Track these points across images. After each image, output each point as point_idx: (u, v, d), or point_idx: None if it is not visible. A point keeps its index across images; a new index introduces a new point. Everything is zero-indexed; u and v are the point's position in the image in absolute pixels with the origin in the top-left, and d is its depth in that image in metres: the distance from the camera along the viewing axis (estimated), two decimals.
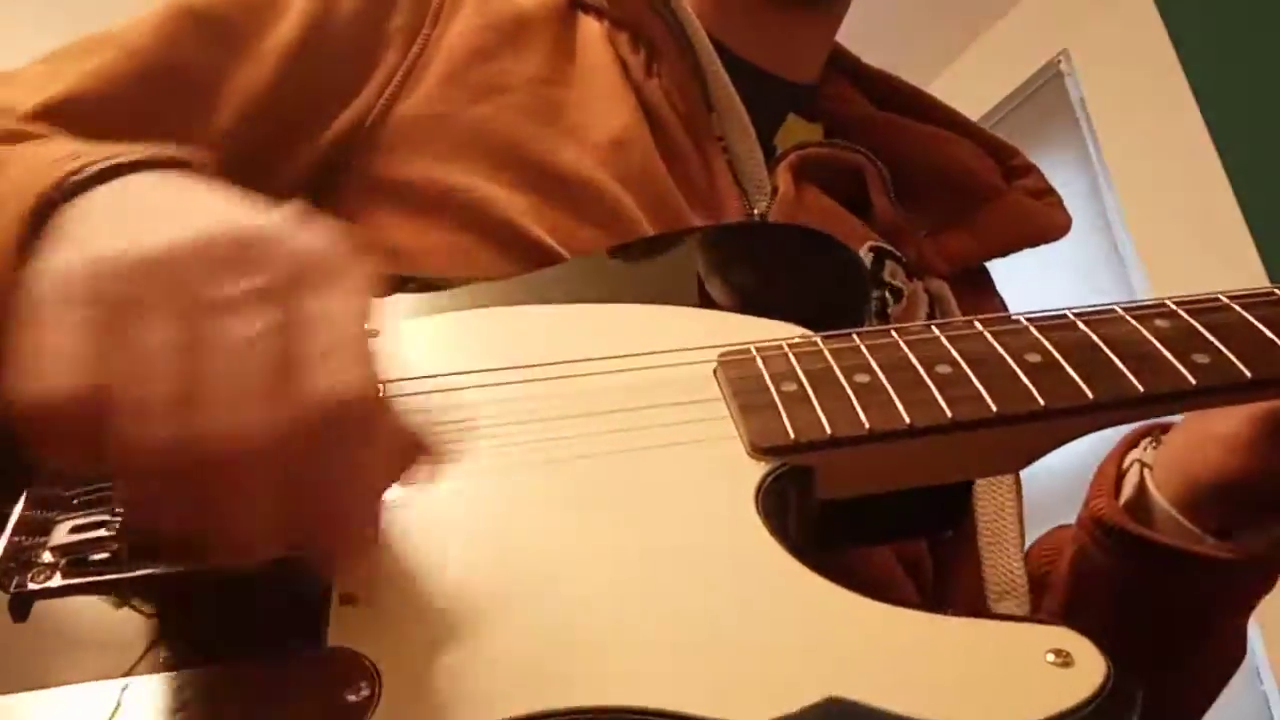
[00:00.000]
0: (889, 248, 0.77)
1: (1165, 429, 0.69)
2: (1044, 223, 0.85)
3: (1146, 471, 0.68)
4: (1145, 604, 0.66)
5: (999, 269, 0.88)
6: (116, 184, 0.47)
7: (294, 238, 0.41)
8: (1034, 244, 0.85)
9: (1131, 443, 0.71)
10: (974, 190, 0.85)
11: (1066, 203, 0.87)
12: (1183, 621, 0.68)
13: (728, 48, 0.81)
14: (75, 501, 0.48)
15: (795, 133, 0.84)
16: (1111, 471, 0.70)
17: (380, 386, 0.41)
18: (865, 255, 0.75)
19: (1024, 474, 0.81)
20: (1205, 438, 0.65)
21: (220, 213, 0.43)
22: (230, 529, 0.39)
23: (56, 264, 0.41)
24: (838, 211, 0.79)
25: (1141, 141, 2.50)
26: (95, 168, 0.48)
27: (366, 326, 0.41)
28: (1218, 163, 2.33)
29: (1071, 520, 0.77)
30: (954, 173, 0.85)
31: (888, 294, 0.74)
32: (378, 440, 0.41)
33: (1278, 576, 0.67)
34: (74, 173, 0.47)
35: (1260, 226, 2.26)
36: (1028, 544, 0.79)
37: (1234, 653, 0.72)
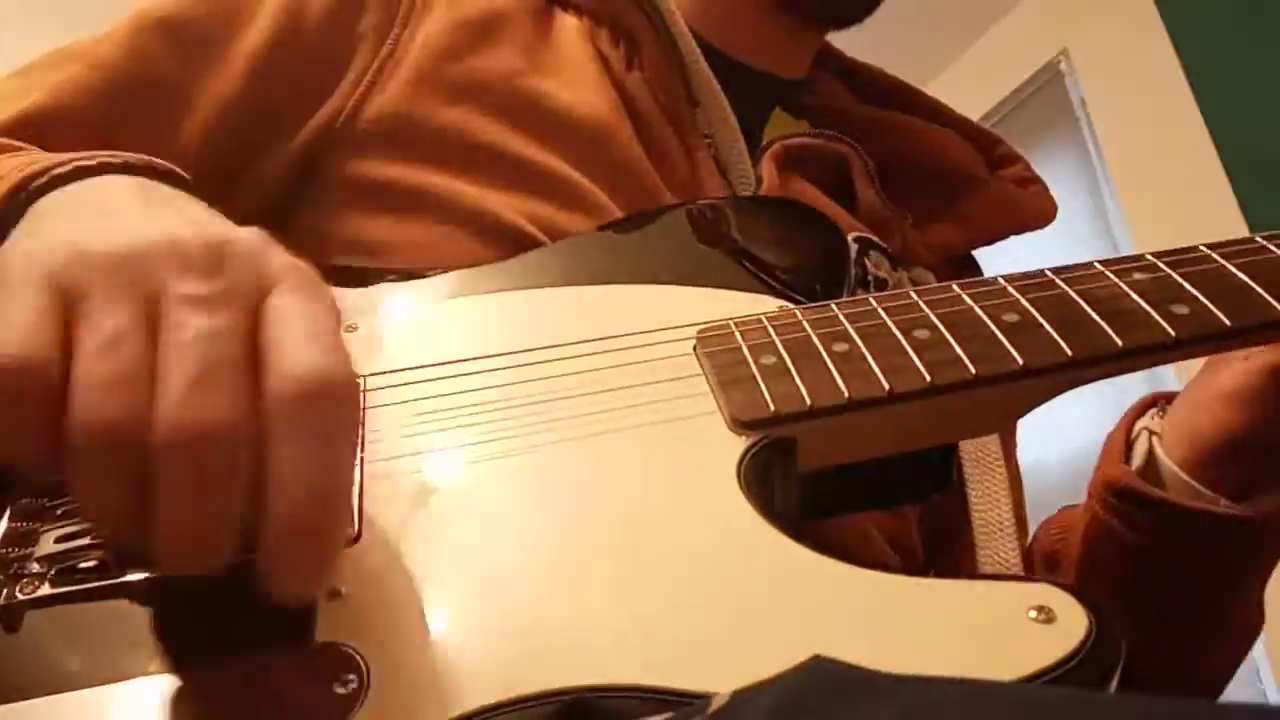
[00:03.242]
0: (874, 238, 0.77)
1: (1171, 397, 0.69)
2: (1029, 210, 0.86)
3: (1155, 439, 0.67)
4: (1160, 568, 0.66)
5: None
6: (89, 182, 0.49)
7: (260, 250, 0.42)
8: (1019, 232, 0.85)
9: (1139, 411, 0.70)
10: (959, 180, 0.85)
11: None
12: (1199, 585, 0.67)
13: (712, 43, 0.81)
14: (59, 512, 0.48)
15: (781, 127, 0.83)
16: (1120, 439, 0.69)
17: (358, 379, 0.41)
18: (850, 246, 0.75)
19: (1023, 468, 0.81)
20: (1210, 396, 0.64)
21: (188, 216, 0.44)
22: (182, 523, 0.38)
23: (27, 245, 0.42)
24: (823, 201, 0.79)
25: (1141, 141, 2.50)
26: (64, 169, 0.50)
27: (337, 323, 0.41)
28: (1218, 163, 2.32)
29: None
30: (938, 164, 0.85)
31: (872, 285, 0.74)
32: (350, 431, 0.40)
33: None
34: (41, 172, 0.49)
35: (1260, 226, 2.25)
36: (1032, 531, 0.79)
37: (1253, 620, 0.71)
